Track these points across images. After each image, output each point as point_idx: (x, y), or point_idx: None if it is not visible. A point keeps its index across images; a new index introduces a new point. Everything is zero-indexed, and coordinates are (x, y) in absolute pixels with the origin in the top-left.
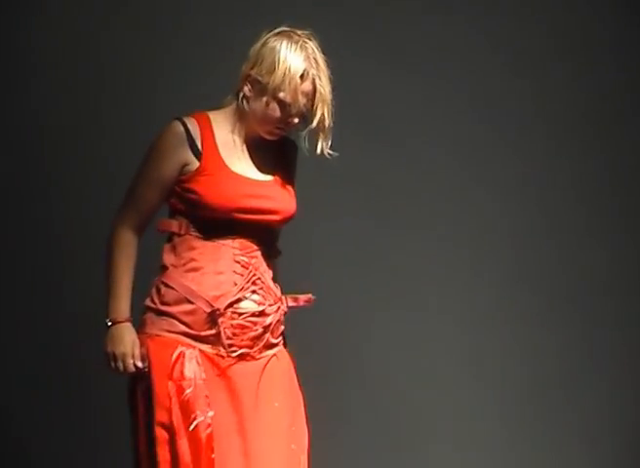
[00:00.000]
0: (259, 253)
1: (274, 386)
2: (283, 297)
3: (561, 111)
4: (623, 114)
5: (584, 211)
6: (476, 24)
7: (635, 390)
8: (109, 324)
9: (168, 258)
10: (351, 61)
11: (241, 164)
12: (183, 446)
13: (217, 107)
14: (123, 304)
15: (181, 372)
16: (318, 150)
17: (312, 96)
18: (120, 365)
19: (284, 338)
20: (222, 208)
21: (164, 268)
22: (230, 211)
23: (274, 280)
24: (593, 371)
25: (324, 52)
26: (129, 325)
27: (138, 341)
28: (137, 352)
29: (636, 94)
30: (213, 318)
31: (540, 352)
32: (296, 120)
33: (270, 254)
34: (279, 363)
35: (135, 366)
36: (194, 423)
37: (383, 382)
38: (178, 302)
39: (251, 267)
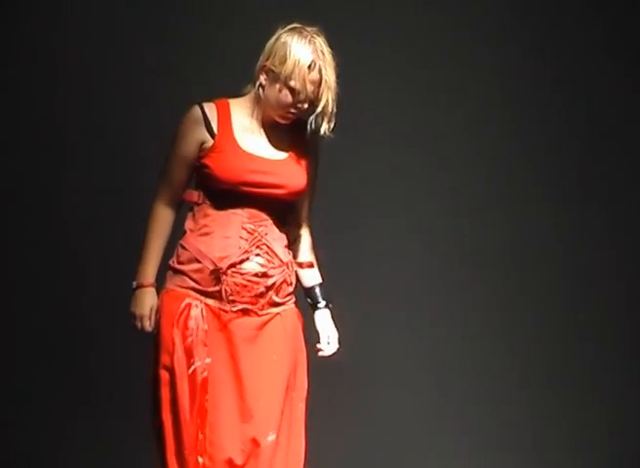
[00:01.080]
0: (268, 223)
1: (274, 341)
2: (289, 262)
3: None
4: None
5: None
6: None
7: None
8: (134, 286)
9: (188, 224)
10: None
11: (255, 143)
12: (182, 387)
13: (238, 95)
14: (149, 270)
15: (185, 322)
16: (321, 131)
17: (319, 84)
18: (139, 324)
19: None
20: (229, 181)
21: (184, 232)
22: (236, 184)
23: (289, 246)
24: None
25: (330, 46)
26: (151, 290)
27: (156, 306)
28: (153, 316)
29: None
30: (216, 275)
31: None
32: (305, 105)
33: (285, 224)
34: (282, 321)
35: (151, 326)
36: (192, 367)
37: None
38: (189, 262)
39: (256, 234)
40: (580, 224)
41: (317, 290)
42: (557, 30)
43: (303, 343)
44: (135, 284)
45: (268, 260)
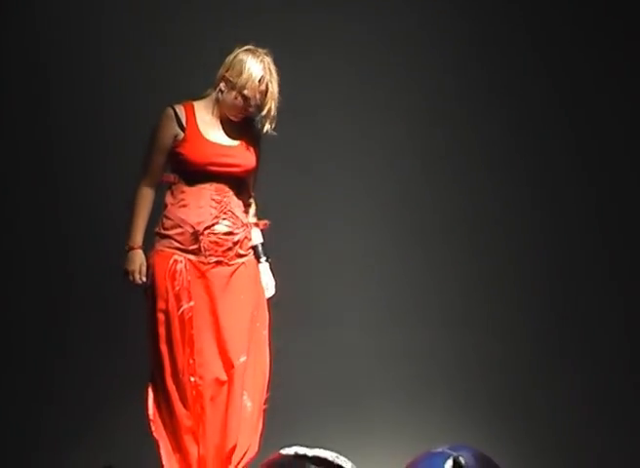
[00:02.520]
0: (230, 194)
1: (241, 285)
2: (248, 223)
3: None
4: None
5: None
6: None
7: None
8: (127, 249)
9: (168, 199)
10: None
11: (215, 134)
12: (175, 324)
13: (200, 97)
14: (137, 236)
15: (173, 274)
16: (264, 130)
17: (265, 94)
18: (131, 277)
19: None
20: (198, 163)
21: (165, 206)
22: (204, 165)
23: (246, 211)
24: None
25: (276, 64)
26: (140, 251)
27: (145, 263)
28: (143, 270)
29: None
30: (195, 236)
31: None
32: (251, 109)
33: (241, 195)
34: (246, 268)
35: (140, 279)
36: (181, 309)
37: None
38: (173, 227)
39: (222, 203)
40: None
41: (260, 248)
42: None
43: (262, 285)
44: (126, 247)
45: (233, 223)
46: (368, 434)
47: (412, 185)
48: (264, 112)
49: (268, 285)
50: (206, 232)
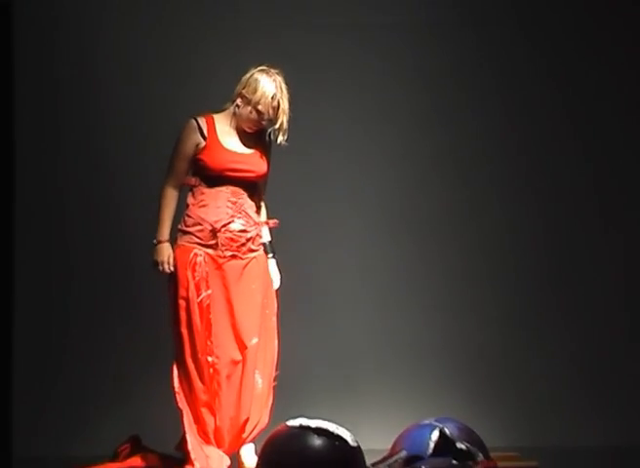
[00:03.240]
0: (244, 196)
1: (252, 275)
2: (259, 222)
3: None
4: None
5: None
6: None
7: None
8: (155, 243)
9: (189, 200)
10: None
11: (232, 143)
12: (194, 310)
13: (219, 110)
14: (165, 231)
15: (194, 266)
16: (278, 141)
17: (277, 109)
18: (160, 268)
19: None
20: (217, 168)
21: (187, 206)
22: (222, 170)
23: (258, 212)
24: None
25: (286, 82)
26: (167, 244)
27: (172, 254)
28: (170, 261)
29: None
30: (213, 233)
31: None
32: (264, 122)
33: (253, 197)
34: (257, 262)
35: (168, 269)
36: (200, 297)
37: None
38: (194, 225)
39: (237, 204)
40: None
41: (268, 245)
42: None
43: (271, 277)
44: (155, 241)
45: (246, 222)
46: (363, 408)
47: (405, 181)
48: (277, 126)
49: (274, 278)
50: (223, 229)
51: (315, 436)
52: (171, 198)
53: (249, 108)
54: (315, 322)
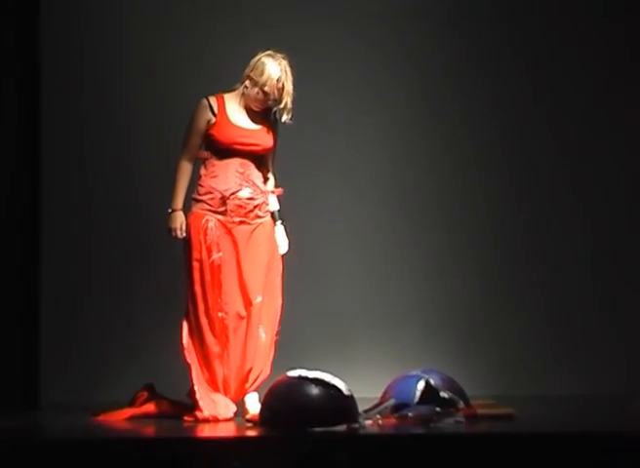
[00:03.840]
0: (252, 167)
1: (259, 239)
2: (266, 191)
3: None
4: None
5: None
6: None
7: None
8: (170, 211)
9: (202, 171)
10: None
11: (240, 119)
12: (206, 271)
13: (229, 90)
14: (179, 200)
15: (205, 231)
16: (282, 120)
17: (281, 90)
18: (173, 233)
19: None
20: (226, 142)
21: (199, 177)
22: (230, 143)
23: (265, 182)
24: None
25: (291, 66)
26: (180, 212)
27: (184, 221)
28: (183, 227)
29: None
30: (223, 201)
31: None
32: (270, 102)
33: (261, 168)
34: (264, 227)
35: (181, 234)
36: (212, 258)
37: None
38: (205, 194)
39: (245, 174)
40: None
41: (276, 213)
42: None
43: (276, 242)
44: (170, 209)
45: (254, 190)
46: (356, 360)
47: (394, 155)
48: (282, 105)
49: (282, 243)
50: (232, 197)
51: (313, 385)
52: (185, 170)
53: (256, 89)
54: (314, 284)
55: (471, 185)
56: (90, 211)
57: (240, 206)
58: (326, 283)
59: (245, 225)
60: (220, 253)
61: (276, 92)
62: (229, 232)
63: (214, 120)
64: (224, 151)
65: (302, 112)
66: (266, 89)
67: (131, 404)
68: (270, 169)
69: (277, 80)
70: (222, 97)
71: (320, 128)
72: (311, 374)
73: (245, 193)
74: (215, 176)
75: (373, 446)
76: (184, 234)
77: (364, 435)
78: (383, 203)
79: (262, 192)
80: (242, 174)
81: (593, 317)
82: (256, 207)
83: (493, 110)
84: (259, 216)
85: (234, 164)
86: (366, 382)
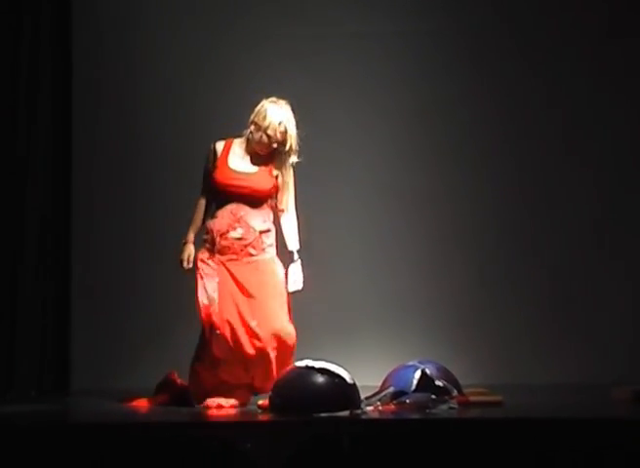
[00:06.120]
0: (247, 209)
1: (250, 276)
2: (261, 231)
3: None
4: None
5: None
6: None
7: None
8: (183, 242)
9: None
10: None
11: (238, 164)
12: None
13: (240, 135)
14: (191, 234)
15: (204, 264)
16: (290, 162)
17: (284, 133)
18: (180, 263)
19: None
20: (220, 184)
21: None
22: (224, 185)
23: (265, 221)
24: None
25: (293, 111)
26: (190, 244)
27: (192, 253)
28: (190, 259)
29: None
30: (215, 240)
31: None
32: (274, 145)
33: (260, 208)
34: (257, 265)
35: (187, 265)
36: (210, 287)
37: None
38: (206, 233)
39: (238, 215)
40: None
41: (294, 253)
42: None
43: (276, 274)
44: (183, 241)
45: (245, 231)
46: (358, 351)
47: (401, 159)
48: (287, 148)
49: (293, 281)
50: (222, 237)
51: (319, 374)
52: (199, 208)
53: (260, 133)
54: (321, 282)
55: (469, 186)
56: (121, 207)
57: (229, 246)
58: (331, 281)
59: (235, 262)
60: (217, 279)
61: (279, 135)
62: (223, 264)
63: (216, 163)
64: (222, 193)
65: (302, 111)
66: (269, 132)
67: (156, 391)
68: (280, 207)
69: (279, 123)
70: (231, 142)
71: (320, 127)
72: (317, 364)
73: (235, 234)
74: (214, 217)
75: (373, 429)
76: (190, 265)
77: (365, 420)
78: (385, 202)
79: (256, 232)
80: (235, 215)
81: (578, 310)
82: (247, 245)
83: (493, 110)
84: (250, 255)
85: (230, 205)
86: (367, 372)
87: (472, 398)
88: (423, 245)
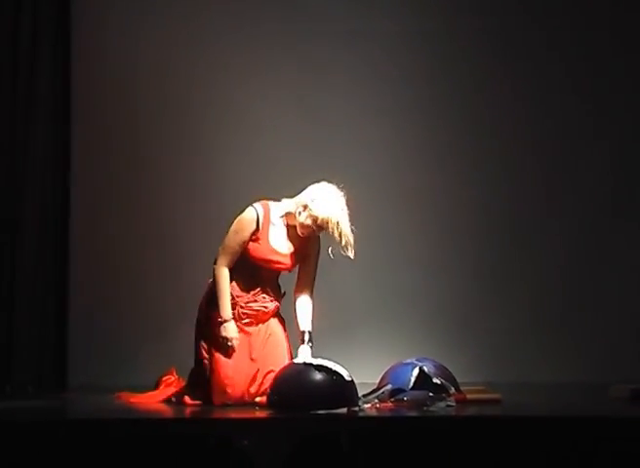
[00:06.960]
0: (271, 278)
1: (267, 330)
2: (280, 296)
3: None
4: None
5: None
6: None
7: None
8: (221, 321)
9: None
10: None
11: (279, 240)
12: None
13: (277, 200)
14: (228, 309)
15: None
16: (348, 254)
17: (339, 231)
18: (230, 343)
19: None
20: (256, 259)
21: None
22: (261, 262)
23: (277, 288)
24: None
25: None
26: (231, 322)
27: (236, 330)
28: (236, 336)
29: None
30: (235, 306)
31: None
32: (318, 233)
33: (278, 277)
34: (270, 326)
35: (234, 345)
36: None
37: None
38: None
39: (261, 285)
40: None
41: (306, 334)
42: None
43: (281, 330)
44: (221, 319)
45: (270, 299)
46: (356, 349)
47: (401, 159)
48: (343, 244)
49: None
50: (243, 305)
51: (317, 371)
52: (226, 277)
53: (310, 220)
54: (320, 280)
55: (470, 184)
56: (120, 207)
57: (248, 314)
58: (330, 279)
59: (250, 326)
60: (237, 341)
61: (330, 230)
62: (242, 330)
63: (256, 235)
64: (250, 263)
65: (303, 110)
66: (322, 225)
67: (155, 387)
68: (304, 287)
69: (337, 223)
70: (268, 209)
71: (320, 126)
72: (315, 361)
73: (256, 305)
74: (238, 282)
75: (371, 427)
76: (237, 343)
77: (363, 417)
78: (384, 200)
79: (275, 299)
80: (258, 284)
81: (576, 310)
82: (266, 314)
83: (493, 111)
84: (267, 320)
85: (255, 275)
86: (365, 369)
87: (470, 396)
88: (422, 242)
